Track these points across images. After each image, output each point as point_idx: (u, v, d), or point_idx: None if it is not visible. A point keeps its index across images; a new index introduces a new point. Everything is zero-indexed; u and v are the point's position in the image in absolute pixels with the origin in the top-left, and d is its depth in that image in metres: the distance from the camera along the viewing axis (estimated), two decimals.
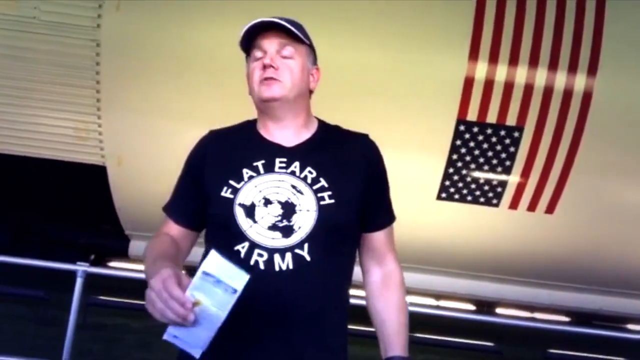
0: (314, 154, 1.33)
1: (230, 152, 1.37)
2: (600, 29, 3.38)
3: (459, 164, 3.55)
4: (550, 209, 3.66)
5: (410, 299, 4.12)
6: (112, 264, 5.15)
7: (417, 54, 3.45)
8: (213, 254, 1.07)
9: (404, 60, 3.42)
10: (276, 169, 1.30)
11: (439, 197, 3.60)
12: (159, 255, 1.29)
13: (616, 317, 4.70)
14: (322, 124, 1.45)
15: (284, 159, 1.31)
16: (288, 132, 1.37)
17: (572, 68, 3.40)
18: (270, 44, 1.35)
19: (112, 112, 3.63)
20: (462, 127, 3.47)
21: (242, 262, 1.21)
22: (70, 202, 4.25)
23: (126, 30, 3.48)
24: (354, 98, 3.29)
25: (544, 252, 3.89)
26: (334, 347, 1.30)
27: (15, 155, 3.87)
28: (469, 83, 3.39)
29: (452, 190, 3.60)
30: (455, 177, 3.58)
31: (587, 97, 3.43)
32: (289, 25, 1.34)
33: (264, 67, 1.33)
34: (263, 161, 1.31)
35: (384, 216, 1.43)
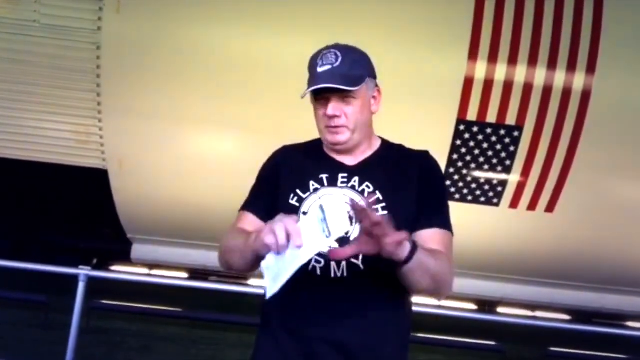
0: (373, 171, 1.42)
1: (299, 165, 1.46)
2: (598, 28, 3.40)
3: (459, 164, 3.57)
4: (550, 208, 3.68)
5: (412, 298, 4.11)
6: (114, 267, 5.16)
7: (417, 54, 3.48)
8: (340, 197, 1.16)
9: (403, 60, 3.43)
10: (338, 184, 1.39)
11: None
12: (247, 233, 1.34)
13: (616, 315, 4.72)
14: (384, 143, 1.51)
15: (346, 175, 1.41)
16: (352, 153, 1.45)
17: (571, 67, 3.42)
18: (332, 94, 1.38)
19: (113, 115, 3.63)
20: (462, 127, 3.49)
21: (301, 267, 1.30)
22: (71, 205, 4.25)
23: (126, 33, 3.48)
24: None
25: (544, 250, 3.91)
26: (385, 353, 1.34)
27: (15, 159, 3.87)
28: (468, 83, 3.41)
29: (452, 189, 3.61)
30: (456, 177, 3.60)
31: (585, 95, 3.45)
32: (345, 88, 1.34)
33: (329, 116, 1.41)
34: (327, 175, 1.41)
35: (435, 220, 1.40)
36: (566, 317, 5.31)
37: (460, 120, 3.47)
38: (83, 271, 3.58)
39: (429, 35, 3.44)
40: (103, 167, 3.79)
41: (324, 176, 1.40)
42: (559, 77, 3.42)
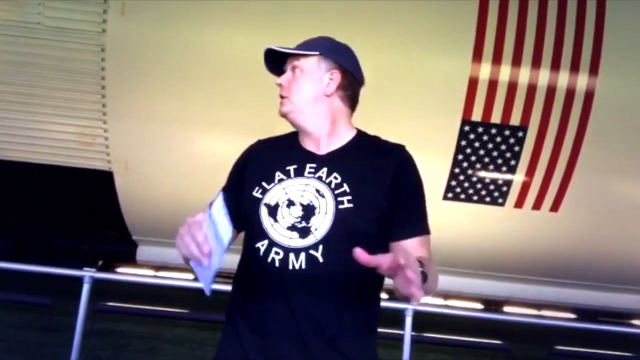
0: (342, 162, 1.37)
1: (269, 157, 1.43)
2: (601, 30, 3.41)
3: (465, 164, 3.57)
4: (555, 207, 3.69)
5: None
6: (119, 269, 5.16)
7: (422, 56, 3.48)
8: (220, 198, 1.12)
9: (408, 61, 3.45)
10: (305, 174, 1.35)
11: (445, 197, 3.62)
12: None
13: (621, 313, 4.72)
14: (359, 134, 1.46)
15: (314, 165, 1.36)
16: (318, 141, 1.41)
17: (574, 68, 3.44)
18: (287, 65, 1.43)
19: (118, 117, 3.64)
20: (467, 128, 3.49)
21: (261, 259, 1.28)
22: (76, 207, 4.25)
23: (131, 35, 3.49)
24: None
25: (549, 250, 3.91)
26: (343, 348, 1.30)
27: (20, 161, 3.87)
28: (473, 84, 3.42)
29: (458, 190, 3.62)
30: (461, 177, 3.60)
31: (589, 96, 3.46)
32: (281, 49, 1.39)
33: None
34: (295, 166, 1.37)
35: (411, 225, 1.35)
36: (572, 315, 5.32)
37: (465, 120, 3.48)
38: (88, 273, 3.55)
39: (433, 36, 3.45)
40: (108, 169, 3.80)
41: (291, 167, 1.36)
42: (563, 78, 3.43)
